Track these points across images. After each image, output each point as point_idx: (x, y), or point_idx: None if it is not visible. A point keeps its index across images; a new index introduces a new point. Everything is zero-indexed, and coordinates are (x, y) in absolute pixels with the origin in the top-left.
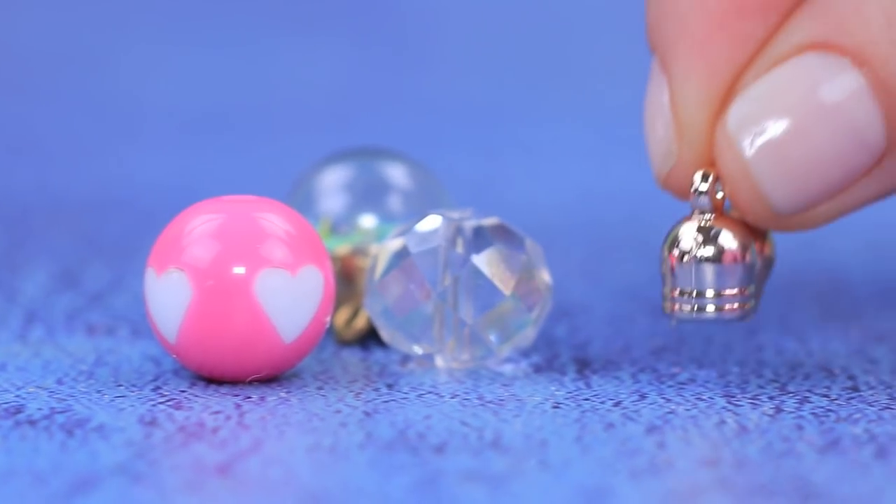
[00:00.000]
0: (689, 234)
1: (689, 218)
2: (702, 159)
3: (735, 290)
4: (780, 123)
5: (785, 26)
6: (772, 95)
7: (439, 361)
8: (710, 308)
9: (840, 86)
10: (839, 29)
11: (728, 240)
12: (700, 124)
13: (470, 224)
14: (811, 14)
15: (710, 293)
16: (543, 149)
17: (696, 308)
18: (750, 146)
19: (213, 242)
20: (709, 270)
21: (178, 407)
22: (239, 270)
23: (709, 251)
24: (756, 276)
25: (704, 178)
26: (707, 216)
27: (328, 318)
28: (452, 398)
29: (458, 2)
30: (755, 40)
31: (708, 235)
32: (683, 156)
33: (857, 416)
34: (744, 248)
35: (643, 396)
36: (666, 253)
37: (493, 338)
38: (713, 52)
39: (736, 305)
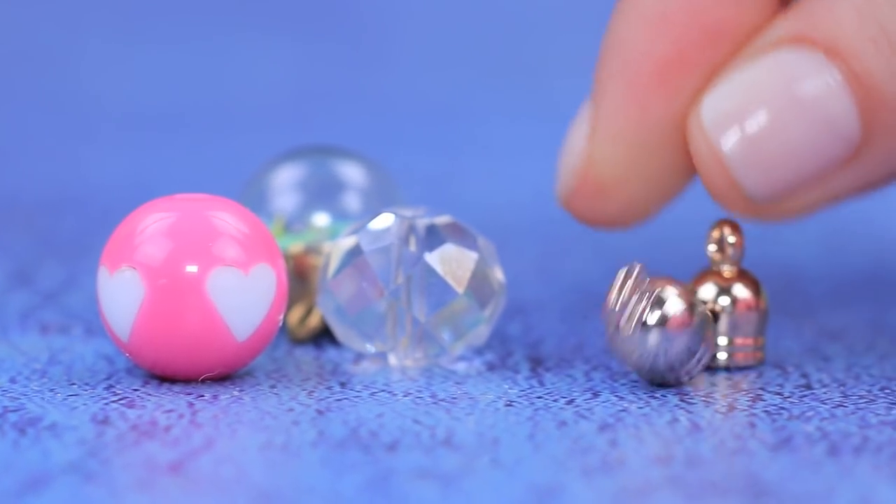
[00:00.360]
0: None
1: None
2: (604, 194)
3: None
4: (755, 115)
5: (762, 30)
6: (747, 88)
7: (392, 360)
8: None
9: (815, 79)
10: (812, 25)
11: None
12: (615, 159)
13: (423, 222)
14: (787, 15)
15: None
16: (499, 147)
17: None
18: (725, 138)
19: (165, 241)
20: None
21: (130, 405)
22: (191, 269)
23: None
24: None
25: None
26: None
27: (281, 317)
28: (405, 396)
29: (415, 0)
30: (689, 91)
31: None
32: (588, 185)
33: (810, 413)
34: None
35: (596, 394)
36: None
37: (446, 336)
38: (650, 97)
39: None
